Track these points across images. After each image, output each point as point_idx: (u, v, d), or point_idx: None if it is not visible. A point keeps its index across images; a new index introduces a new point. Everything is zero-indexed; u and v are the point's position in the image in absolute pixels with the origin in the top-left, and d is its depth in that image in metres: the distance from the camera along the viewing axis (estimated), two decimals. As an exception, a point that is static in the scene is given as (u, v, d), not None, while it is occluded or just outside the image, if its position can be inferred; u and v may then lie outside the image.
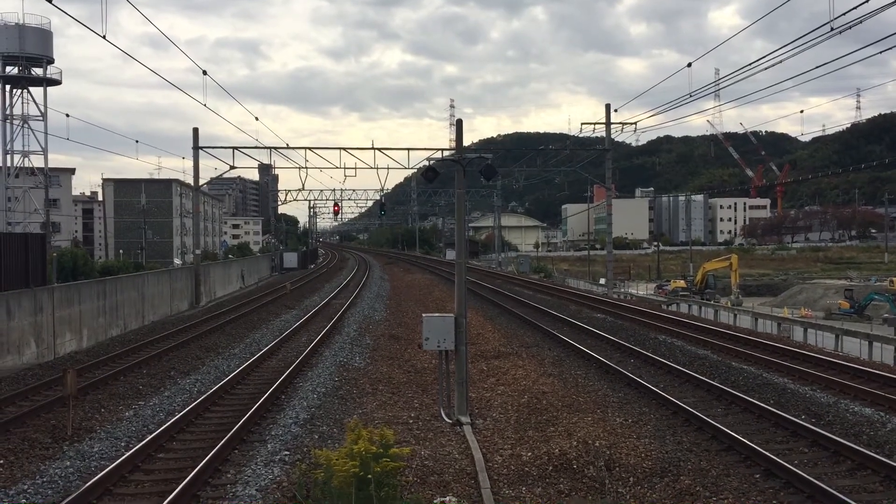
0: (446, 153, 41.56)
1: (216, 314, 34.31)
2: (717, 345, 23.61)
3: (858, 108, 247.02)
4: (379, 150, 42.76)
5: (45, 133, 65.32)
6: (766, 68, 25.42)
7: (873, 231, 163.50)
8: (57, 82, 68.46)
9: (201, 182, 47.00)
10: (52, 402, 16.08)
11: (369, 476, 8.76)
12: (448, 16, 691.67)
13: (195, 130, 43.48)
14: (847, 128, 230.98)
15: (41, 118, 65.99)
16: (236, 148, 42.84)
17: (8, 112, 65.92)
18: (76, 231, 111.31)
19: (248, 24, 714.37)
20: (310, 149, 43.27)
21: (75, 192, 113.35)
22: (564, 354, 22.71)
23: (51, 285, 26.16)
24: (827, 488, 10.40)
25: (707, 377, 18.40)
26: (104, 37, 22.18)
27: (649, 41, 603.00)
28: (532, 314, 33.12)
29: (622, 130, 47.51)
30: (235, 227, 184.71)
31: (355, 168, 44.80)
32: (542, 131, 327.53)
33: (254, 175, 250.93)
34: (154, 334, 27.56)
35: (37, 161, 67.50)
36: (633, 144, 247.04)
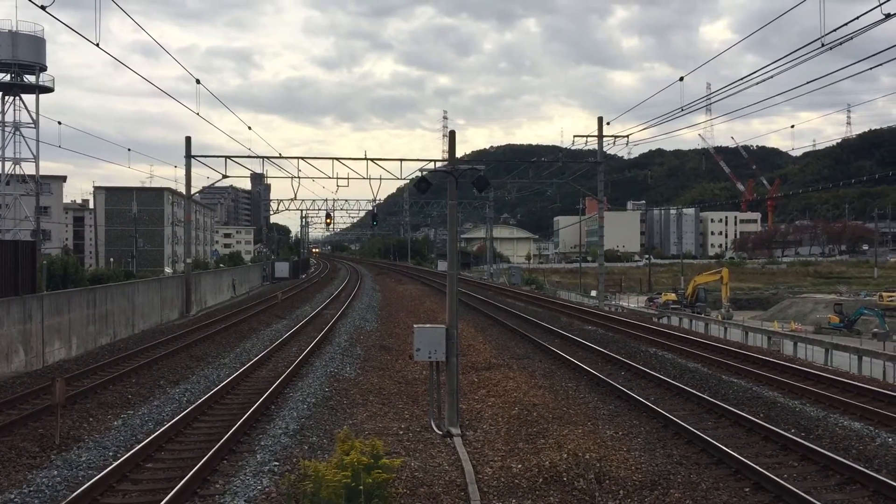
0: (439, 164, 41.66)
1: (206, 323, 34.19)
2: (708, 358, 23.65)
3: (849, 123, 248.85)
4: (371, 160, 42.78)
5: (37, 140, 65.16)
6: (757, 83, 25.58)
7: (865, 247, 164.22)
8: (49, 90, 68.32)
9: (193, 191, 46.92)
10: (41, 410, 15.98)
11: (360, 487, 8.73)
12: (440, 27, 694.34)
13: (188, 139, 43.44)
14: (837, 143, 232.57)
15: (33, 125, 65.81)
16: (229, 157, 42.81)
17: (-1, 119, 65.74)
18: (67, 239, 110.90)
19: (240, 34, 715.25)
20: (302, 158, 43.29)
21: (66, 199, 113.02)
22: (555, 366, 22.71)
23: (40, 293, 26.03)
24: (816, 503, 10.41)
25: (697, 390, 18.42)
26: (97, 44, 22.16)
27: (641, 55, 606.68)
28: (523, 326, 33.13)
29: (614, 143, 47.70)
30: (227, 236, 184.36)
31: (348, 178, 44.66)
32: (534, 143, 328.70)
33: (246, 184, 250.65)
34: (144, 343, 27.45)
35: (28, 168, 67.31)
36: (625, 157, 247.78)
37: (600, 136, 46.68)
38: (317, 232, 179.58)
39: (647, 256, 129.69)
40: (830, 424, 15.34)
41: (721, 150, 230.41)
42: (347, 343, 27.59)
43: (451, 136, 16.18)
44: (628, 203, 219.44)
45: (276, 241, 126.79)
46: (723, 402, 16.94)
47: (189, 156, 43.34)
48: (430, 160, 43.71)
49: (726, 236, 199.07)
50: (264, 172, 50.42)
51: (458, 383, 15.12)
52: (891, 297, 69.52)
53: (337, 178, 44.91)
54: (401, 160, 44.36)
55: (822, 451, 12.96)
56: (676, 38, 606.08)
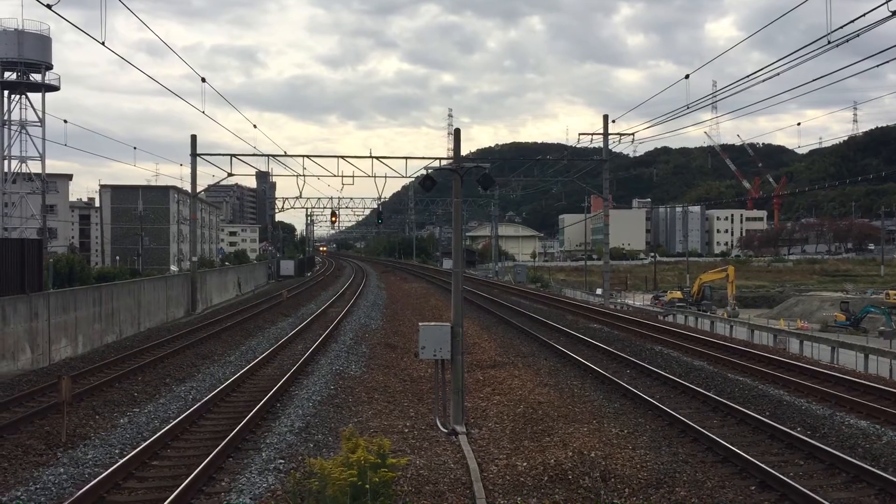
0: (444, 162, 41.60)
1: (212, 321, 34.25)
2: (713, 356, 23.61)
3: (855, 120, 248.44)
4: (376, 158, 42.82)
5: (43, 139, 65.42)
6: (763, 80, 25.50)
7: (871, 246, 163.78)
8: (55, 88, 68.52)
9: (199, 189, 47.01)
10: (47, 408, 16.02)
11: (366, 486, 8.73)
12: (445, 25, 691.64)
13: (193, 137, 43.51)
14: (844, 140, 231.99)
15: (39, 124, 66.05)
16: (234, 155, 42.85)
17: (6, 117, 65.96)
18: (73, 237, 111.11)
19: (244, 32, 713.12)
20: (307, 157, 43.33)
21: (72, 198, 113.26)
22: (560, 364, 22.69)
23: (47, 291, 26.11)
24: (822, 501, 10.39)
25: (703, 388, 18.40)
26: (103, 43, 22.20)
27: (646, 52, 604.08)
28: (528, 324, 33.11)
29: (620, 141, 47.61)
30: (233, 234, 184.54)
31: (353, 176, 44.69)
32: (539, 141, 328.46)
33: (251, 182, 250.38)
34: (150, 341, 27.49)
35: (34, 167, 67.56)
36: (631, 155, 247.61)
37: (605, 134, 46.61)
38: (322, 230, 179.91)
39: (652, 254, 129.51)
40: (836, 423, 15.31)
41: (727, 148, 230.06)
42: (353, 341, 27.61)
43: (457, 135, 16.17)
44: (634, 201, 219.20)
45: (281, 239, 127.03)
46: (728, 401, 16.92)
47: (194, 154, 43.41)
48: (436, 158, 43.68)
49: (732, 234, 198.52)
50: (269, 171, 50.44)
51: (464, 381, 15.13)
52: (897, 295, 69.34)
53: (342, 176, 44.95)
54: (406, 158, 44.45)
55: (829, 449, 12.94)
56: (682, 35, 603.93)
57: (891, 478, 11.35)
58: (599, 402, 17.34)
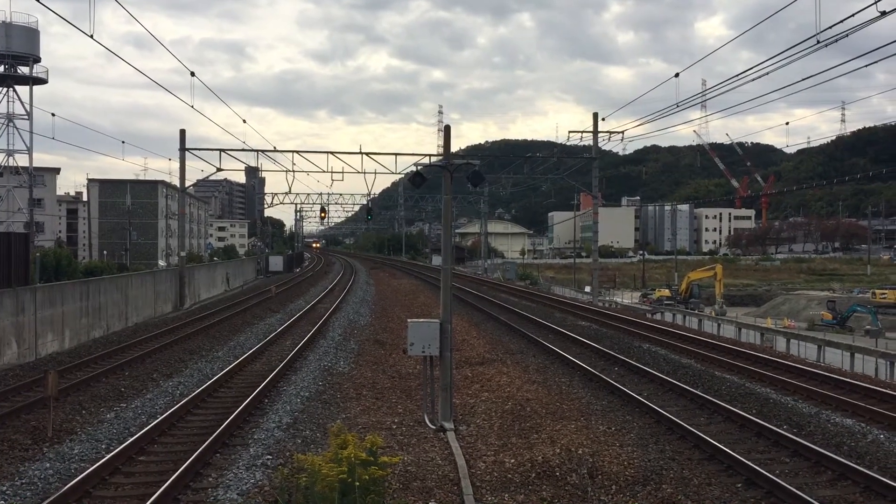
0: (434, 159, 41.61)
1: (200, 317, 34.14)
2: (701, 354, 23.70)
3: (843, 120, 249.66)
4: (366, 154, 42.82)
5: (31, 132, 65.03)
6: (752, 80, 25.63)
7: (861, 246, 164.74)
8: (43, 81, 68.16)
9: (187, 184, 46.83)
10: (33, 403, 15.94)
11: (356, 483, 8.71)
12: (435, 20, 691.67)
13: (182, 132, 43.33)
14: (832, 140, 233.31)
15: (26, 117, 65.65)
16: (223, 150, 42.72)
17: (-7, 110, 65.53)
18: (60, 231, 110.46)
19: (233, 26, 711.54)
20: (297, 152, 43.30)
21: (60, 192, 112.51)
22: (549, 362, 22.73)
23: (33, 285, 25.95)
24: (808, 498, 10.45)
25: (690, 386, 18.46)
26: (91, 36, 22.07)
27: (636, 50, 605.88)
28: (517, 321, 33.14)
29: (609, 139, 47.77)
30: (221, 229, 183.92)
31: (342, 172, 44.66)
32: (529, 138, 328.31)
33: (240, 177, 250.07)
34: (137, 336, 27.39)
35: (21, 160, 67.15)
36: (620, 153, 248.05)
37: (595, 132, 46.70)
38: (311, 226, 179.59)
39: (641, 252, 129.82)
40: (822, 421, 15.40)
41: (716, 147, 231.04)
42: (341, 337, 27.58)
43: (447, 131, 16.17)
44: (623, 199, 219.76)
45: (270, 234, 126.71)
46: (715, 398, 16.98)
47: (183, 149, 43.23)
48: (426, 154, 43.78)
49: (720, 233, 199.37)
50: (259, 166, 50.41)
51: (452, 378, 15.14)
52: (883, 294, 69.82)
53: (332, 172, 44.93)
54: (395, 154, 44.65)
55: (814, 447, 13.00)
56: (672, 33, 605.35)
57: (875, 475, 11.42)
58: (587, 400, 17.38)
